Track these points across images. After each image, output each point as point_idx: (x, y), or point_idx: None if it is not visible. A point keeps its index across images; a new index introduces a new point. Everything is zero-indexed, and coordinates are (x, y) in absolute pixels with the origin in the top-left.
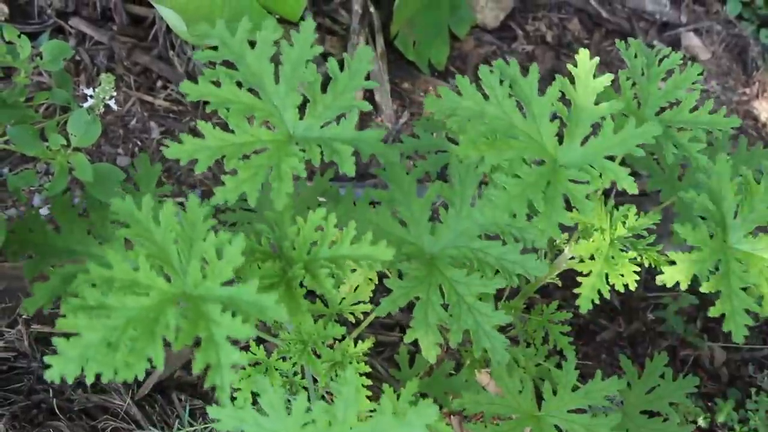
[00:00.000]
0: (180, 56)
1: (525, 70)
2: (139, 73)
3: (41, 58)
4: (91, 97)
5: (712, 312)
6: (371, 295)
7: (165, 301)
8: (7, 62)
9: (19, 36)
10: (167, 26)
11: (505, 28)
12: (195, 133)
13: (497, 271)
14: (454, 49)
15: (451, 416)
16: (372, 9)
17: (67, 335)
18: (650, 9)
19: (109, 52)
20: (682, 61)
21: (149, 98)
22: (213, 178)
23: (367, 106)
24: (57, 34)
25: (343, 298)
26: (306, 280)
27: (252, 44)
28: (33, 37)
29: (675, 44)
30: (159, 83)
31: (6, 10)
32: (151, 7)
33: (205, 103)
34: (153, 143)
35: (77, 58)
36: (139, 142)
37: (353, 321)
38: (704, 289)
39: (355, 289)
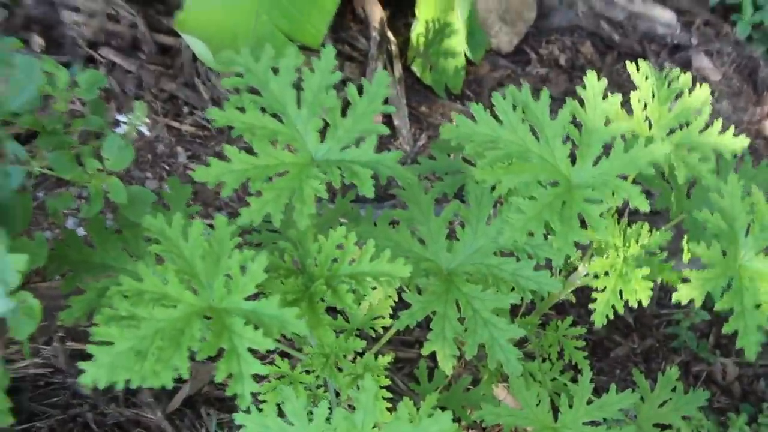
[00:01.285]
0: (205, 83)
1: (537, 94)
2: (166, 99)
3: (76, 87)
4: (123, 123)
5: (726, 329)
6: (391, 312)
7: (192, 314)
8: (46, 91)
9: (57, 67)
10: (193, 54)
11: (519, 52)
12: (221, 156)
13: (512, 287)
14: (469, 73)
15: (469, 430)
16: (390, 36)
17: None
18: (661, 32)
19: (137, 80)
20: (691, 84)
21: (176, 124)
22: (238, 200)
23: (385, 130)
24: (88, 64)
25: (364, 314)
26: (327, 295)
27: (275, 71)
28: (65, 66)
29: (686, 66)
30: (185, 109)
31: (42, 42)
32: (178, 36)
33: (230, 128)
34: (180, 167)
35: (107, 85)
36: (166, 167)
37: (374, 336)
38: (718, 307)
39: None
